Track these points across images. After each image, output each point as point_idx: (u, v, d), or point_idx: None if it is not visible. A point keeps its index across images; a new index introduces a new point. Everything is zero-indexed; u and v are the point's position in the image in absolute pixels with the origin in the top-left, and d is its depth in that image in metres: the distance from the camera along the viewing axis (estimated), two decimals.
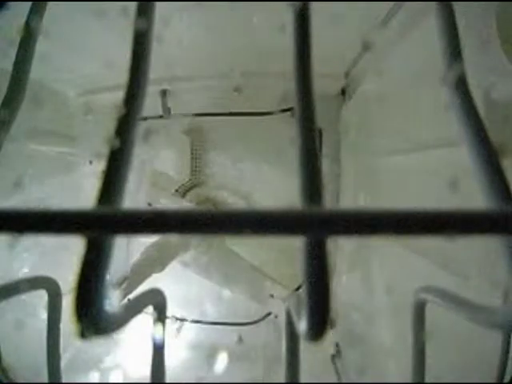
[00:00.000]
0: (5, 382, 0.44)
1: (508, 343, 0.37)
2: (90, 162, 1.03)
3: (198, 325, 1.07)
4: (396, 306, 0.71)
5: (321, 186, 0.21)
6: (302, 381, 0.35)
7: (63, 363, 0.42)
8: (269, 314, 1.05)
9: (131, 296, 0.92)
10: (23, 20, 0.35)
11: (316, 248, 0.20)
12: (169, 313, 0.36)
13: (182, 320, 1.06)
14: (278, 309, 1.00)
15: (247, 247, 1.04)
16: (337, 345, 1.03)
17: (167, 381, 0.36)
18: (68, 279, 0.25)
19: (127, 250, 1.01)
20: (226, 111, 1.02)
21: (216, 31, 0.78)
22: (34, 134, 0.85)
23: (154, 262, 0.99)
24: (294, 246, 0.20)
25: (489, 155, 0.24)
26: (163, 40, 0.38)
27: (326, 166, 1.00)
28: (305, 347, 0.34)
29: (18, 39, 0.35)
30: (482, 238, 0.17)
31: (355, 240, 0.89)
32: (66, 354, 0.77)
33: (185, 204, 1.06)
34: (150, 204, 1.03)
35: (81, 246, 0.19)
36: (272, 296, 1.01)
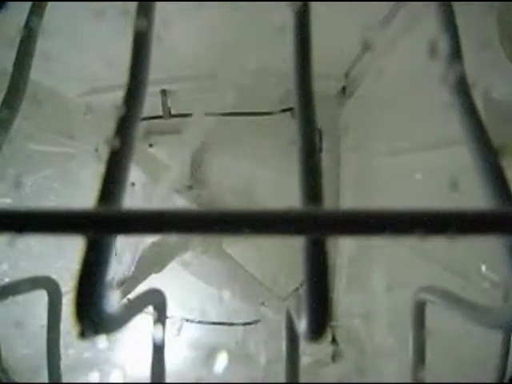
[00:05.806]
0: (5, 382, 0.44)
1: (508, 343, 0.37)
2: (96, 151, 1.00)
3: (198, 325, 1.07)
4: (396, 306, 0.71)
5: (321, 186, 0.21)
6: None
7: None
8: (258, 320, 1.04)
9: (131, 296, 0.92)
10: (23, 20, 0.35)
11: (316, 248, 0.20)
12: (169, 313, 0.36)
13: (183, 320, 1.06)
14: (267, 318, 0.99)
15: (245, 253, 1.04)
16: (337, 345, 1.03)
17: (167, 381, 0.36)
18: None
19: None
20: (226, 111, 1.02)
21: (216, 31, 0.78)
22: (34, 134, 0.85)
23: (154, 262, 0.99)
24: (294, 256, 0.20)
25: (489, 155, 0.24)
26: (163, 40, 0.38)
27: (325, 166, 0.99)
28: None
29: (18, 39, 0.35)
30: (481, 237, 0.17)
31: (355, 240, 0.89)
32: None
33: (185, 204, 1.05)
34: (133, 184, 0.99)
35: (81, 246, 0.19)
36: (263, 304, 1.01)
